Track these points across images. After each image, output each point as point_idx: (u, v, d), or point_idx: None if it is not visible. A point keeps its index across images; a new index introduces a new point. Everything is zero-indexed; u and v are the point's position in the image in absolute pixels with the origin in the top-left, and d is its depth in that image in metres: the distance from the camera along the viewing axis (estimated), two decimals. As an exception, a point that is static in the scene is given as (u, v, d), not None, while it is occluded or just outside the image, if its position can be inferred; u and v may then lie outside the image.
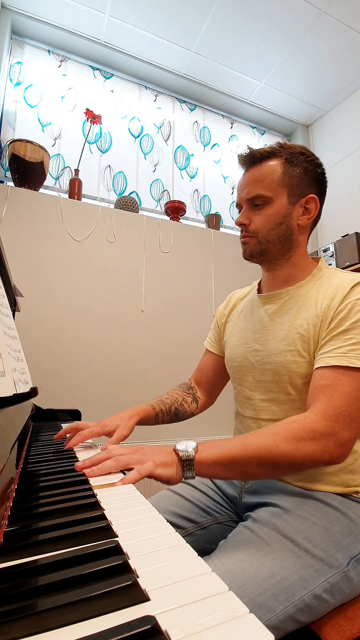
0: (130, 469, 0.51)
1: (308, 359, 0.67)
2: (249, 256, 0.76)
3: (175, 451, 0.55)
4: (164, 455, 0.55)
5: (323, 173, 0.74)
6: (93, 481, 0.47)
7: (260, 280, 0.85)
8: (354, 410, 0.57)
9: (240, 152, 0.74)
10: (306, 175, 0.71)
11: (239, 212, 0.76)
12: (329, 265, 0.93)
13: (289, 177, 0.70)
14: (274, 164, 0.70)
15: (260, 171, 0.71)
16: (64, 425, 1.01)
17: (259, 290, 0.85)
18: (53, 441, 0.78)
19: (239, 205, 0.76)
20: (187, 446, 0.55)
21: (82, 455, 0.64)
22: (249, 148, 0.73)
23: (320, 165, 0.74)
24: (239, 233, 0.78)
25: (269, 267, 0.78)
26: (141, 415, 0.81)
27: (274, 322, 0.75)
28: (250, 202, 0.73)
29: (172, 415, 0.88)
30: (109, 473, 0.52)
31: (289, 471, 0.59)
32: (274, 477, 0.68)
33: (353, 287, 0.65)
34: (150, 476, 0.51)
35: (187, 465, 0.54)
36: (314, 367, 0.64)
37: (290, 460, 0.55)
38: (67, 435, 0.76)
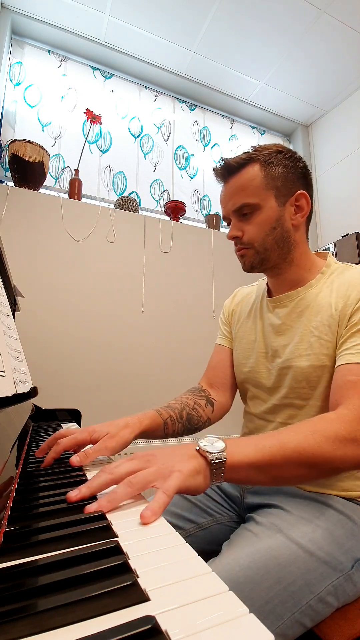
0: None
1: (328, 363, 0.65)
2: (250, 268, 0.73)
3: (201, 452, 0.44)
4: (188, 459, 0.43)
5: (305, 167, 0.72)
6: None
7: (268, 284, 0.82)
8: None
9: (215, 165, 0.72)
10: (289, 173, 0.68)
11: (228, 225, 0.73)
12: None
13: (271, 179, 0.67)
14: (253, 169, 0.68)
15: (241, 180, 0.68)
16: (64, 426, 1.01)
17: (269, 294, 0.81)
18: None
19: (226, 219, 0.73)
20: (214, 446, 0.45)
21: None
22: (222, 159, 0.70)
23: (300, 159, 0.71)
24: None
25: (272, 273, 0.76)
26: (145, 424, 0.64)
27: (287, 325, 0.73)
28: (238, 213, 0.70)
29: (184, 422, 0.74)
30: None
31: (326, 474, 0.53)
32: (307, 482, 0.64)
33: None
34: (178, 491, 0.39)
35: (217, 469, 0.44)
36: (336, 365, 0.61)
37: (330, 463, 0.49)
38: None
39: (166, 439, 0.73)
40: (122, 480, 0.39)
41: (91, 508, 0.36)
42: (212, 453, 0.44)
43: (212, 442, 0.45)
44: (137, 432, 0.62)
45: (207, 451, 0.44)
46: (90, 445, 0.55)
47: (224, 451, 0.45)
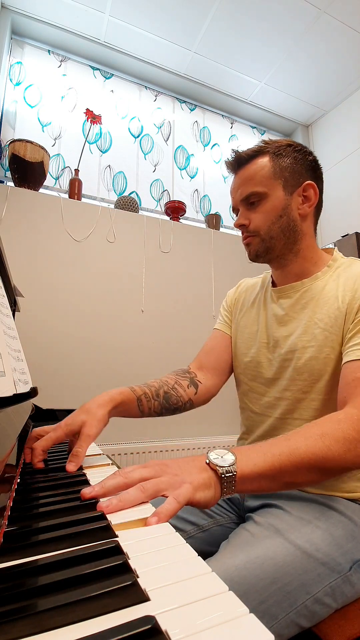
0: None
1: (332, 356, 0.64)
2: (255, 257, 0.74)
3: (212, 466, 0.44)
4: (199, 472, 0.43)
5: (315, 160, 0.73)
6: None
7: (272, 276, 0.81)
8: None
9: (227, 158, 0.74)
10: (297, 164, 0.70)
11: (236, 215, 0.75)
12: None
13: (280, 169, 0.69)
14: (262, 160, 0.70)
15: (250, 170, 0.70)
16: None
17: (273, 285, 0.80)
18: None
19: (235, 209, 0.75)
20: (224, 459, 0.45)
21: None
22: (234, 151, 0.72)
23: (310, 153, 0.72)
24: (239, 233, 0.76)
25: (278, 264, 0.75)
26: (116, 401, 0.64)
27: (290, 317, 0.72)
28: (246, 202, 0.71)
29: (161, 400, 0.73)
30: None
31: (337, 475, 0.52)
32: (319, 484, 0.63)
33: None
34: (188, 503, 0.40)
35: (228, 482, 0.44)
36: (344, 361, 0.60)
37: (342, 465, 0.49)
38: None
39: (172, 443, 0.72)
40: (134, 485, 0.40)
41: (102, 505, 0.36)
42: (222, 467, 0.44)
43: (221, 455, 0.46)
44: (109, 408, 0.62)
45: (217, 465, 0.44)
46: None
47: (234, 464, 0.45)
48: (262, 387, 0.76)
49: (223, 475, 0.44)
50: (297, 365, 0.68)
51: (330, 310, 0.66)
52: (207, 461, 0.45)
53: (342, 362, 0.61)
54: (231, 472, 0.44)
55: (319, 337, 0.66)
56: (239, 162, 0.72)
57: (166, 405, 0.74)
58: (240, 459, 0.46)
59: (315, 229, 0.75)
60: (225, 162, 0.74)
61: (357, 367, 0.58)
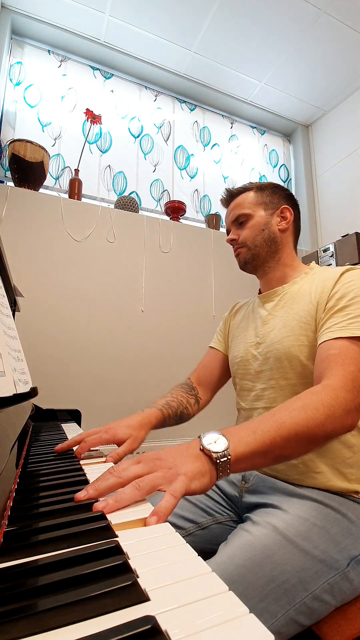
0: None
1: (306, 343, 0.72)
2: (244, 264, 0.89)
3: (205, 451, 0.45)
4: (193, 460, 0.44)
5: (291, 194, 0.90)
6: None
7: (260, 289, 0.95)
8: None
9: (221, 196, 0.93)
10: (275, 195, 0.88)
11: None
12: (329, 265, 0.99)
13: (261, 197, 0.87)
14: (248, 193, 0.88)
15: (239, 200, 0.89)
16: (64, 426, 1.01)
17: (260, 293, 0.93)
18: (53, 441, 0.77)
19: (228, 231, 0.92)
20: (218, 443, 0.46)
21: (84, 462, 0.63)
22: (227, 190, 0.92)
23: (287, 189, 0.91)
24: None
25: (263, 272, 0.89)
26: (153, 423, 0.78)
27: (273, 316, 0.83)
28: (236, 223, 0.88)
29: (177, 419, 0.88)
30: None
31: (322, 444, 0.55)
32: (307, 454, 0.65)
33: (342, 273, 0.73)
34: (184, 494, 0.40)
35: (223, 466, 0.45)
36: (318, 343, 0.67)
37: (324, 431, 0.52)
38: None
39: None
40: (128, 484, 0.39)
41: (99, 506, 0.36)
42: (217, 452, 0.45)
43: (214, 440, 0.46)
44: (148, 430, 0.76)
45: (211, 450, 0.45)
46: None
47: (228, 448, 0.46)
48: (249, 382, 0.84)
49: (218, 461, 0.45)
50: (278, 355, 0.76)
51: (304, 305, 0.76)
52: (201, 447, 0.46)
53: (317, 345, 0.68)
54: (226, 457, 0.45)
55: (295, 328, 0.75)
56: (230, 196, 0.91)
57: (179, 421, 0.89)
58: (232, 441, 0.47)
59: (295, 244, 0.90)
60: (220, 199, 0.93)
61: (328, 346, 0.64)
